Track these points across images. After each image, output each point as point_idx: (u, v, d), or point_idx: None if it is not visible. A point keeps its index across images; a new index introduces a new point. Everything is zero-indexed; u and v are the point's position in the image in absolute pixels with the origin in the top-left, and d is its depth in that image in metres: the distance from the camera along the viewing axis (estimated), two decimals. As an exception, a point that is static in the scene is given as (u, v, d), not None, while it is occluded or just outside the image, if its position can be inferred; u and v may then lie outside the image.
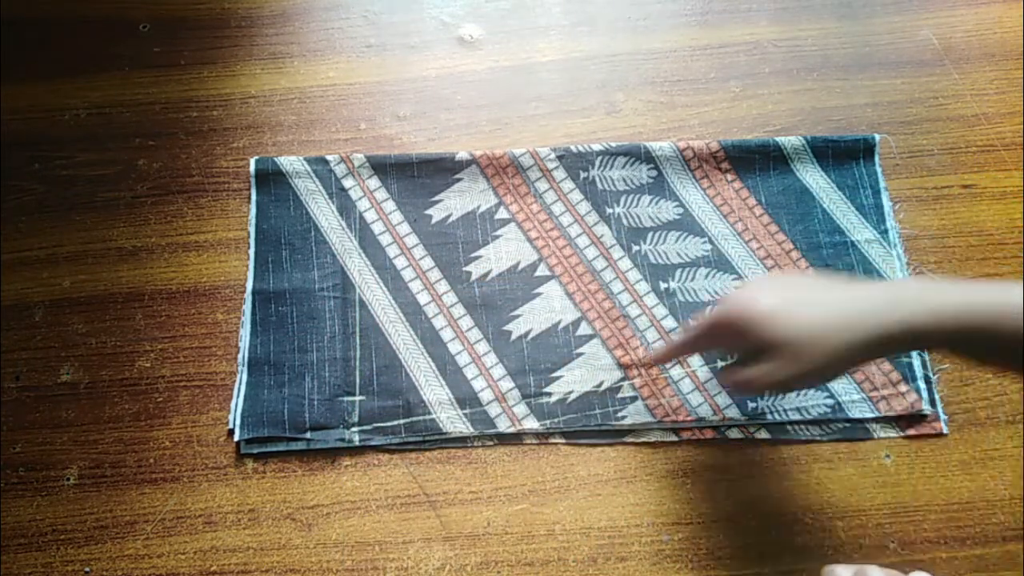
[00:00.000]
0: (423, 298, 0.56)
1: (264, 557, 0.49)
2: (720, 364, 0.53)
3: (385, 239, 0.57)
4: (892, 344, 0.40)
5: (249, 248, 0.57)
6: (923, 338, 0.40)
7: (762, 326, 0.41)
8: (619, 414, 0.52)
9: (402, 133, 0.61)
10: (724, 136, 0.60)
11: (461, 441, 0.52)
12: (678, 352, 0.50)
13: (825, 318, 0.41)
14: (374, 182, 0.59)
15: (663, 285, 0.56)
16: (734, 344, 0.47)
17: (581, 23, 0.66)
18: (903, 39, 0.64)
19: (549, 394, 0.53)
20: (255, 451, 0.52)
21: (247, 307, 0.55)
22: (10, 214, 0.59)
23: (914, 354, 0.53)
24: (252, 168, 0.59)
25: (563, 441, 0.52)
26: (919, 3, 0.66)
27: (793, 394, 0.52)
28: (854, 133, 0.60)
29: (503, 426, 0.52)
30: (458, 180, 0.59)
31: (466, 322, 0.55)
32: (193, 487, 0.51)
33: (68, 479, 0.52)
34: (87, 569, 0.49)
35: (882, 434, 0.52)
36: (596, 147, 0.59)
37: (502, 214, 0.58)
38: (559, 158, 0.59)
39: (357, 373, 0.54)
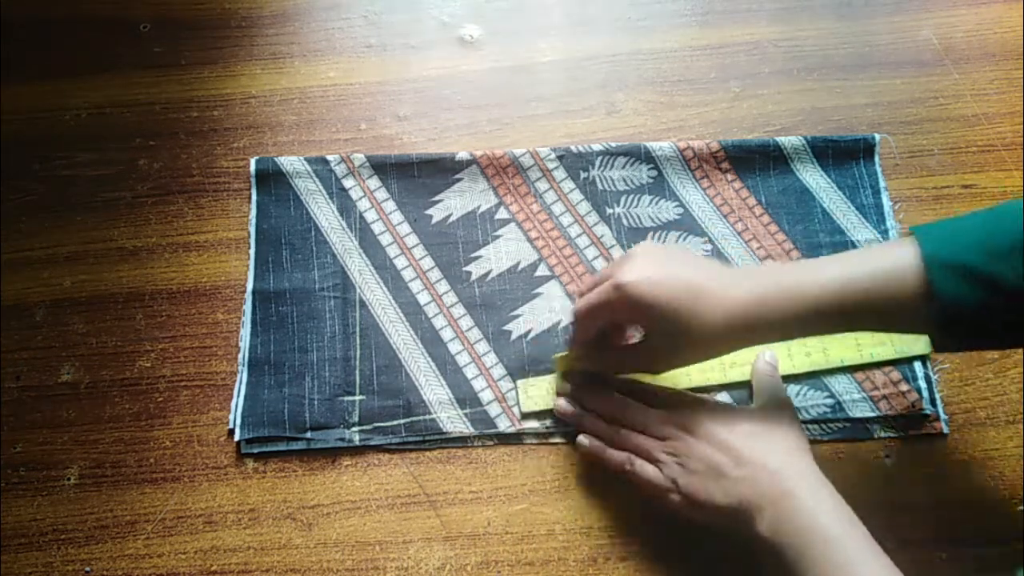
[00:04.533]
0: (423, 298, 0.56)
1: (264, 557, 0.49)
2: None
3: (385, 239, 0.57)
4: (760, 327, 0.42)
5: (249, 248, 0.57)
6: (799, 320, 0.42)
7: (639, 300, 0.43)
8: (619, 414, 0.52)
9: (402, 133, 0.61)
10: (724, 136, 0.60)
11: (461, 441, 0.52)
12: (581, 342, 0.51)
13: (699, 293, 0.43)
14: (374, 182, 0.59)
15: (663, 285, 0.56)
16: (620, 319, 0.49)
17: (581, 23, 0.66)
18: (903, 39, 0.64)
19: (549, 394, 0.53)
20: (255, 451, 0.52)
21: (247, 307, 0.55)
22: (10, 214, 0.59)
23: (915, 353, 0.53)
24: (252, 168, 0.59)
25: (563, 441, 0.52)
26: (919, 3, 0.66)
27: (793, 393, 0.52)
28: (854, 133, 0.60)
29: (503, 426, 0.52)
30: (458, 180, 0.59)
31: (466, 322, 0.55)
32: (193, 487, 0.51)
33: (68, 479, 0.52)
34: (88, 569, 0.49)
35: (882, 434, 0.52)
36: (596, 147, 0.59)
37: (502, 214, 0.58)
38: (559, 158, 0.59)
39: (357, 373, 0.54)
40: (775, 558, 0.41)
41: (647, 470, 0.46)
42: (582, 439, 0.49)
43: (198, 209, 0.59)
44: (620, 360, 0.50)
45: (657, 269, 0.44)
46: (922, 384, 0.53)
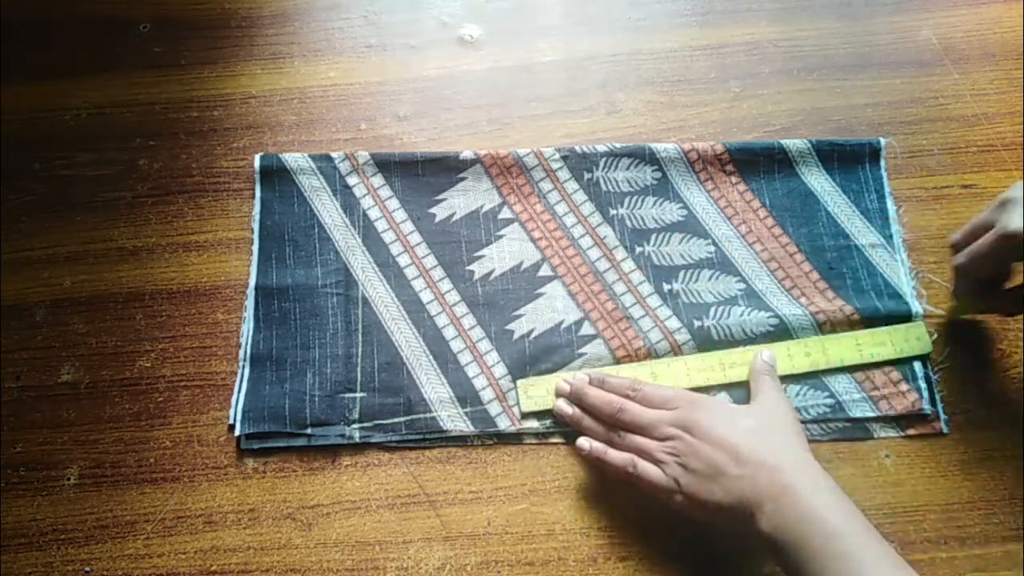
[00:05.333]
0: (426, 296, 0.56)
1: (264, 557, 0.49)
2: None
3: (388, 237, 0.57)
4: None
5: (253, 244, 0.57)
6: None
7: None
8: (620, 414, 0.52)
9: (402, 133, 0.61)
10: (724, 136, 0.60)
11: (461, 440, 0.52)
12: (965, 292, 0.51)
13: None
14: (378, 180, 0.59)
15: (666, 287, 0.56)
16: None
17: (581, 23, 0.66)
18: (903, 39, 0.64)
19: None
20: (255, 447, 0.52)
21: (250, 303, 0.55)
22: (10, 214, 0.59)
23: (915, 353, 0.53)
24: (257, 164, 0.59)
25: (563, 441, 0.52)
26: (919, 3, 0.66)
27: (793, 393, 0.52)
28: (854, 133, 0.60)
29: (503, 425, 0.52)
30: (462, 179, 0.59)
31: (468, 321, 0.55)
32: (193, 487, 0.51)
33: (68, 479, 0.51)
34: (88, 568, 0.49)
35: (882, 434, 0.52)
36: (600, 148, 0.59)
37: (506, 214, 0.58)
38: (563, 159, 0.59)
39: (359, 370, 0.54)
40: (777, 554, 0.41)
41: (649, 471, 0.46)
42: (582, 442, 0.49)
43: (198, 209, 0.59)
44: (1016, 301, 0.50)
45: None
46: (922, 384, 0.53)
